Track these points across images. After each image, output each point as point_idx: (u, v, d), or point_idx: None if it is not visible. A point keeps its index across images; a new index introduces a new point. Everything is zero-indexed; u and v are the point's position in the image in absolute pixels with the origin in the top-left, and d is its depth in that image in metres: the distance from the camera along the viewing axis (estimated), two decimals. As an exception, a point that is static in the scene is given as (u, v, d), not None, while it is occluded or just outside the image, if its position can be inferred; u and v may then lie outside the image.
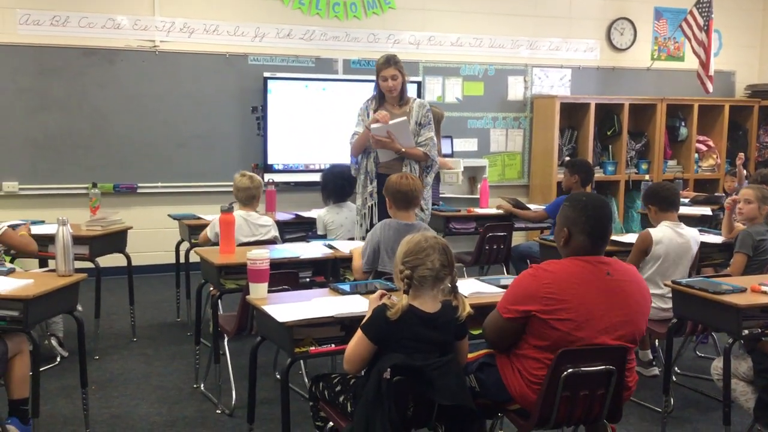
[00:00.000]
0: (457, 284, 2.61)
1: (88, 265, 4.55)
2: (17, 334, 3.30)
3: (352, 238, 4.60)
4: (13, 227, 4.55)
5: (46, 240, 4.43)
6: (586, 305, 2.50)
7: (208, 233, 4.53)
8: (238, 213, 4.47)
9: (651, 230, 4.11)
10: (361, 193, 4.63)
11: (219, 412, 3.90)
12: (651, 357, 4.44)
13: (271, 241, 4.49)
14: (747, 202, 4.34)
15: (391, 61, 4.63)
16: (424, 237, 2.58)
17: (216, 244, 4.26)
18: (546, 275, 2.55)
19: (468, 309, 2.59)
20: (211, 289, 4.19)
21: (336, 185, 4.86)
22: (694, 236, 4.21)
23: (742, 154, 6.68)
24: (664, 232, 4.10)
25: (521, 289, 2.58)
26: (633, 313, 2.59)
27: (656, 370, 4.38)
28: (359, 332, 2.55)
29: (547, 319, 2.49)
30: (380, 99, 4.68)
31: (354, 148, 4.65)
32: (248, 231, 4.50)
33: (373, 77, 7.22)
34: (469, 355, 2.81)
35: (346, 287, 3.24)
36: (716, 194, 7.15)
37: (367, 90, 7.27)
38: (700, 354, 4.86)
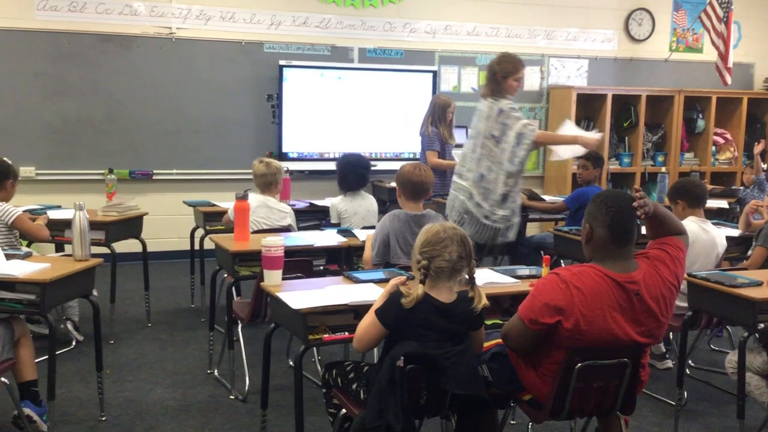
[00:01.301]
0: (474, 276, 2.60)
1: (104, 250, 4.59)
2: (18, 318, 3.35)
3: (367, 227, 4.59)
4: (32, 212, 4.60)
5: (63, 225, 4.47)
6: (613, 325, 2.47)
7: (230, 215, 4.57)
8: (257, 197, 4.53)
9: None
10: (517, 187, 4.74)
11: (232, 397, 3.93)
12: (664, 350, 4.42)
13: (286, 229, 4.51)
14: None
15: (521, 63, 4.78)
16: (443, 227, 2.56)
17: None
18: (578, 294, 2.44)
19: (484, 301, 2.57)
20: (226, 275, 4.21)
21: (357, 174, 4.81)
22: (720, 235, 4.17)
23: (762, 141, 6.58)
24: (688, 226, 4.05)
25: (550, 302, 2.45)
26: (656, 327, 2.55)
27: (669, 363, 4.37)
28: (373, 316, 2.55)
29: (573, 334, 2.45)
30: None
31: (550, 140, 4.95)
32: (266, 213, 4.53)
33: (389, 66, 7.39)
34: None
35: (360, 275, 3.25)
36: (733, 187, 7.09)
37: (383, 79, 7.34)
38: (714, 347, 4.84)
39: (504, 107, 4.66)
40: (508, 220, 4.56)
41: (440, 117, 6.14)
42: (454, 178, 4.76)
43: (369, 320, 2.56)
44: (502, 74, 4.67)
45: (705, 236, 4.06)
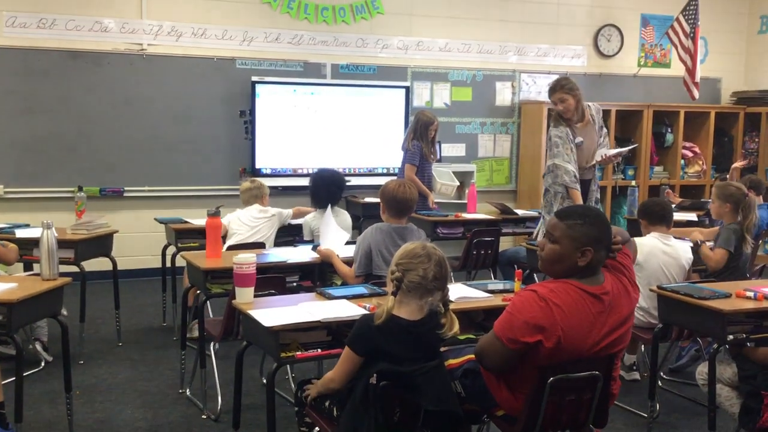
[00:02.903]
0: (449, 301, 2.61)
1: (73, 269, 4.53)
2: None
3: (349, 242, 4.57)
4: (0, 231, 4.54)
5: (31, 243, 4.40)
6: (590, 339, 2.48)
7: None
8: (246, 208, 4.95)
9: (636, 238, 4.14)
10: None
11: (204, 417, 3.88)
12: (634, 361, 4.46)
13: (261, 245, 4.51)
14: (711, 201, 4.57)
15: (555, 88, 4.93)
16: (422, 246, 2.59)
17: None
18: (558, 312, 2.42)
19: (456, 329, 2.59)
20: (197, 293, 4.18)
21: (329, 191, 4.81)
22: (684, 248, 4.26)
23: (749, 159, 6.69)
24: (648, 240, 4.18)
25: (530, 320, 2.42)
26: (625, 332, 2.59)
27: (636, 375, 4.43)
28: (344, 351, 2.55)
29: (552, 352, 2.45)
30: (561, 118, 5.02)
31: (573, 195, 4.93)
32: (258, 215, 4.89)
33: (362, 81, 7.43)
34: (454, 361, 2.80)
35: (333, 291, 3.24)
36: (702, 200, 7.19)
37: (356, 95, 7.36)
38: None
39: (552, 136, 4.96)
40: None
41: (422, 134, 6.12)
42: None
43: (342, 357, 2.57)
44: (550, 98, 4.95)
45: (667, 249, 4.17)
